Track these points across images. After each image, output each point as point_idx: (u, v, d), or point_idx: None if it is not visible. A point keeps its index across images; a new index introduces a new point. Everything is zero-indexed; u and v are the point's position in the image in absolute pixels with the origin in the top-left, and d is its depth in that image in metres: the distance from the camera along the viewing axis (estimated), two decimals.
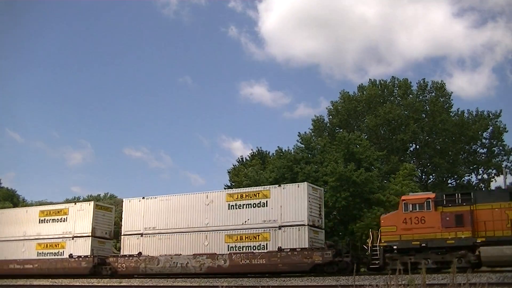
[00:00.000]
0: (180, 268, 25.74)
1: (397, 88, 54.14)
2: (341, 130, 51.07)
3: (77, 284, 25.23)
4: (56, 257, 29.81)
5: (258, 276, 23.66)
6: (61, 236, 30.20)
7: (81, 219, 29.92)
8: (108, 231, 30.91)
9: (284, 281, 20.85)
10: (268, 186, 27.19)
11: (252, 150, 60.06)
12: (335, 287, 16.85)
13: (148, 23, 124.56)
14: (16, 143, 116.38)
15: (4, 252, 31.66)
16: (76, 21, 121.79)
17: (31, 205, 56.83)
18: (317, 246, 24.22)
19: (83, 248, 29.31)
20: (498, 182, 52.24)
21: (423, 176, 52.80)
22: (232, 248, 25.07)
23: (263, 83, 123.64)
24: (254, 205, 25.22)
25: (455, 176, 52.73)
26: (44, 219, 31.01)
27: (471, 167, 52.89)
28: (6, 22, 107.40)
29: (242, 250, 24.75)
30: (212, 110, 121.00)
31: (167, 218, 27.38)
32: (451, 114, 52.54)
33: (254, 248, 24.58)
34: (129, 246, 27.99)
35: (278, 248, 23.89)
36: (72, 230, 30.03)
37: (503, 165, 49.32)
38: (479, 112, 52.32)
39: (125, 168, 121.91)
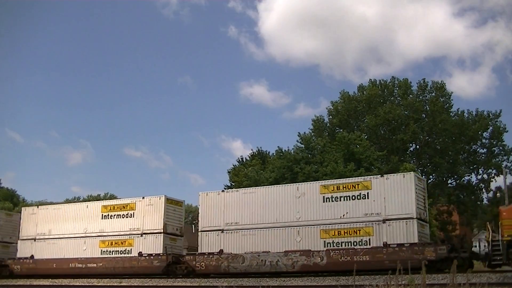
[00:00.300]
0: (269, 266, 23.61)
1: (397, 88, 54.21)
2: (341, 130, 51.13)
3: (77, 284, 25.21)
4: (123, 255, 27.84)
5: (258, 276, 23.61)
6: (128, 232, 28.14)
7: (150, 214, 27.83)
8: (179, 227, 28.70)
9: (284, 281, 20.83)
10: (368, 176, 25.18)
11: (252, 150, 60.21)
12: (335, 287, 16.84)
13: (148, 23, 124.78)
14: (16, 143, 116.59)
15: (62, 250, 29.71)
16: (76, 21, 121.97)
17: (31, 205, 56.73)
18: (425, 241, 22.48)
19: (153, 245, 27.15)
20: (498, 182, 52.40)
21: (423, 176, 52.86)
22: (329, 244, 23.10)
23: (263, 83, 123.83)
24: (353, 197, 23.25)
25: (455, 176, 52.84)
26: (107, 214, 29.10)
27: (471, 167, 52.97)
28: (7, 22, 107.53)
29: (341, 246, 22.88)
30: (212, 110, 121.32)
31: (252, 212, 25.24)
32: (451, 114, 52.62)
33: (355, 243, 22.63)
34: (208, 243, 25.84)
35: (383, 243, 21.96)
36: (140, 227, 27.84)
37: (503, 165, 49.40)
38: (479, 112, 52.45)
39: (125, 168, 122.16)
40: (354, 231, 22.85)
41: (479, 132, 51.85)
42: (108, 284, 24.39)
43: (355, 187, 23.37)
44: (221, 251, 25.20)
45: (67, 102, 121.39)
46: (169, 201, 28.10)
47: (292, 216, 24.22)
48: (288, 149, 45.00)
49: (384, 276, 16.82)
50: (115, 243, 28.36)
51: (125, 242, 28.07)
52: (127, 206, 28.88)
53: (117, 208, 29.15)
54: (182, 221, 29.34)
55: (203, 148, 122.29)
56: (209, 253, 25.36)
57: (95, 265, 28.10)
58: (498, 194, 53.34)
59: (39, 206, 33.20)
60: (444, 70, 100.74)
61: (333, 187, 23.87)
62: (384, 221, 22.35)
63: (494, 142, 52.50)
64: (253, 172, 41.77)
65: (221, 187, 50.33)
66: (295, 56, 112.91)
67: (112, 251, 28.27)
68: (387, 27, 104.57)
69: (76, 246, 29.27)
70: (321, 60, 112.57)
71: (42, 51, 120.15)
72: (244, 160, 53.07)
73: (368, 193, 22.96)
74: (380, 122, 50.70)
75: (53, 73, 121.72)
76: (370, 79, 55.79)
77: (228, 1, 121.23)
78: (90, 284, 24.87)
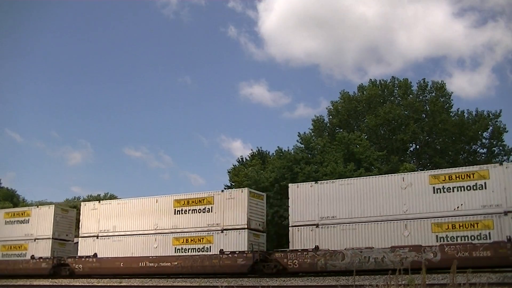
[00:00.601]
0: (374, 263, 21.97)
1: (397, 88, 54.22)
2: (341, 130, 51.12)
3: (77, 284, 25.22)
4: (201, 253, 25.86)
5: (257, 277, 23.60)
6: (205, 229, 26.20)
7: (231, 209, 25.91)
8: (262, 222, 26.86)
9: (284, 281, 20.83)
10: (486, 165, 23.01)
11: (252, 150, 60.09)
12: (335, 287, 16.84)
13: (148, 23, 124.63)
14: (15, 143, 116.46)
15: (129, 248, 28.00)
16: (76, 21, 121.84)
17: (31, 205, 56.65)
18: None
19: (236, 242, 25.28)
20: None
21: None
22: (442, 239, 21.41)
23: (262, 83, 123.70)
24: (469, 188, 21.51)
25: None
26: (181, 209, 27.15)
27: None
28: (7, 22, 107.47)
29: (456, 240, 21.22)
30: (212, 110, 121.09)
31: (350, 205, 23.48)
32: (451, 114, 52.61)
33: (473, 238, 20.87)
34: (300, 239, 23.97)
35: (507, 237, 20.16)
36: (220, 222, 25.92)
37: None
38: (479, 112, 52.44)
39: (125, 168, 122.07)
40: (471, 224, 21.13)
41: (479, 132, 51.85)
42: (108, 284, 24.40)
43: (469, 177, 21.73)
44: (317, 248, 23.46)
45: (67, 102, 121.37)
46: (251, 194, 26.52)
47: (398, 209, 22.55)
48: (288, 149, 45.01)
49: (384, 276, 16.81)
50: (190, 240, 26.44)
51: (202, 239, 26.18)
52: (203, 200, 26.90)
53: (192, 202, 27.11)
54: (264, 216, 27.56)
55: (203, 148, 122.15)
56: (303, 250, 23.60)
57: (169, 264, 26.33)
58: None
59: (101, 201, 30.98)
60: (444, 70, 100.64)
61: (445, 177, 22.19)
62: (505, 213, 20.62)
63: (494, 142, 52.51)
64: (253, 172, 41.75)
65: (221, 187, 50.32)
66: (295, 56, 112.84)
67: (188, 248, 26.34)
68: (387, 27, 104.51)
69: (145, 244, 27.49)
70: (321, 60, 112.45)
71: (41, 51, 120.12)
72: (244, 160, 53.05)
73: (485, 183, 21.33)
74: (380, 122, 50.70)
75: (53, 73, 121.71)
76: (370, 79, 55.89)
77: (228, 1, 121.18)
78: (90, 284, 24.87)
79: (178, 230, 26.85)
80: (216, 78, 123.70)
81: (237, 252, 24.77)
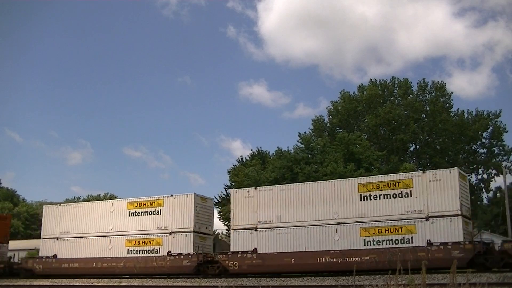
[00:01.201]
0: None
1: (397, 88, 54.21)
2: (341, 130, 51.11)
3: (78, 284, 25.19)
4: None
5: (258, 276, 23.59)
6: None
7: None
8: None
9: (284, 281, 20.80)
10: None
11: (252, 150, 60.14)
12: (335, 287, 16.83)
13: (147, 23, 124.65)
14: (15, 143, 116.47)
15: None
16: (76, 21, 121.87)
17: (31, 205, 56.40)
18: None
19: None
20: (498, 182, 52.32)
21: None
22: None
23: (262, 83, 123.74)
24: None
25: None
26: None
27: (471, 167, 52.89)
28: (7, 22, 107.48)
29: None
30: (212, 110, 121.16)
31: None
32: (451, 114, 52.60)
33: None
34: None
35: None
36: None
37: (503, 165, 49.34)
38: (479, 112, 52.44)
39: (124, 168, 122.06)
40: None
41: (479, 132, 51.84)
42: (108, 284, 24.37)
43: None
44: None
45: (67, 102, 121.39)
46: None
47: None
48: (288, 149, 45.03)
49: (384, 276, 16.80)
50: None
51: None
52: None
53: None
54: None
55: (203, 148, 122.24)
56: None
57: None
58: (498, 194, 53.29)
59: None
60: (444, 70, 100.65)
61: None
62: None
63: (494, 142, 52.50)
64: (254, 172, 41.76)
65: (221, 187, 50.43)
66: (295, 56, 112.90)
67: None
68: (387, 27, 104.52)
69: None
70: (321, 60, 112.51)
71: (41, 51, 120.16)
72: (244, 160, 53.06)
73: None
74: (380, 122, 50.69)
75: (53, 73, 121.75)
76: (370, 79, 55.86)
77: (227, 1, 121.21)
78: (90, 284, 24.84)
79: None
80: (216, 78, 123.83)
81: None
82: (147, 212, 27.57)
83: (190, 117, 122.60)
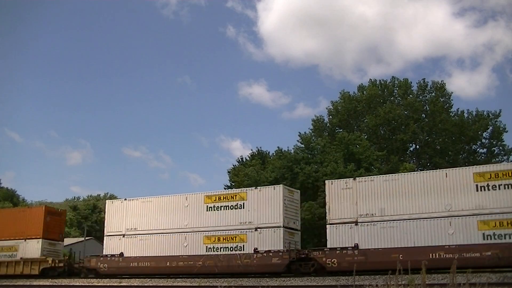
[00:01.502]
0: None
1: (397, 88, 54.24)
2: (341, 130, 51.12)
3: (77, 284, 25.20)
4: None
5: (257, 276, 23.60)
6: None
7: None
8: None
9: (284, 281, 20.82)
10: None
11: (252, 150, 60.15)
12: (335, 287, 16.83)
13: (147, 23, 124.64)
14: (15, 143, 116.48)
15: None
16: (76, 21, 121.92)
17: (31, 205, 56.35)
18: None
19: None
20: None
21: None
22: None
23: (262, 83, 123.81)
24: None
25: None
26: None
27: None
28: (6, 22, 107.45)
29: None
30: (211, 110, 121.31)
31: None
32: (451, 114, 52.62)
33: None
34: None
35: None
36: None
37: None
38: (479, 112, 52.45)
39: (124, 168, 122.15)
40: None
41: (479, 132, 51.85)
42: (108, 284, 24.38)
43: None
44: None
45: (66, 102, 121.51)
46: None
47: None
48: (288, 149, 45.05)
49: (384, 276, 16.80)
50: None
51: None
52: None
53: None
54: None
55: (203, 148, 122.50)
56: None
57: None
58: None
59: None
60: (444, 70, 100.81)
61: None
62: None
63: (494, 142, 52.50)
64: (254, 172, 41.78)
65: (221, 187, 50.39)
66: (295, 56, 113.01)
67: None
68: (387, 27, 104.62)
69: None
70: (321, 60, 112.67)
71: (41, 50, 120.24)
72: (244, 160, 53.08)
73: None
74: (380, 122, 50.70)
75: (52, 73, 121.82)
76: (370, 79, 55.90)
77: (227, 1, 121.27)
78: (90, 284, 24.85)
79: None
80: (216, 78, 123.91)
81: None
82: (228, 206, 25.76)
83: (190, 117, 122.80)
